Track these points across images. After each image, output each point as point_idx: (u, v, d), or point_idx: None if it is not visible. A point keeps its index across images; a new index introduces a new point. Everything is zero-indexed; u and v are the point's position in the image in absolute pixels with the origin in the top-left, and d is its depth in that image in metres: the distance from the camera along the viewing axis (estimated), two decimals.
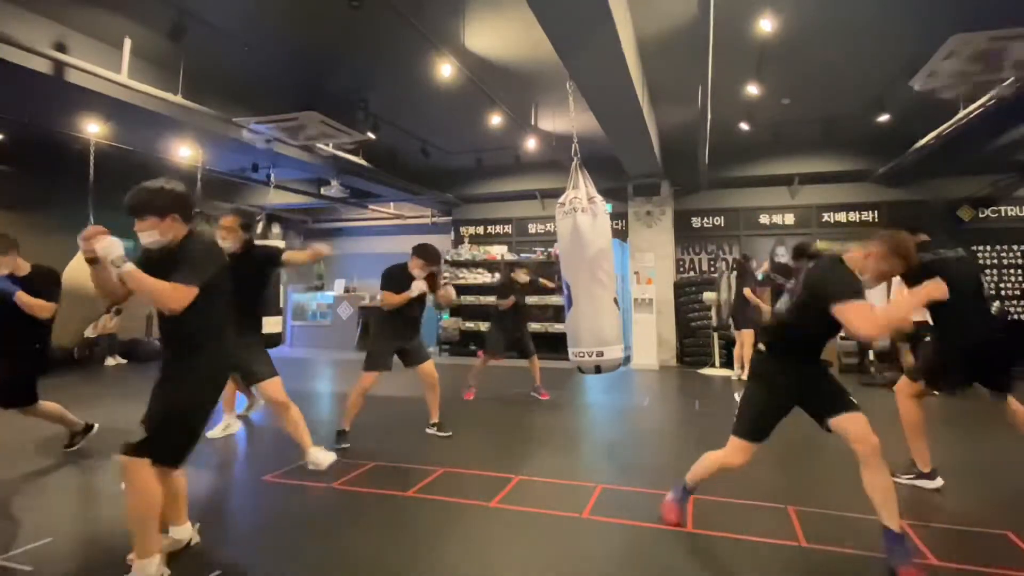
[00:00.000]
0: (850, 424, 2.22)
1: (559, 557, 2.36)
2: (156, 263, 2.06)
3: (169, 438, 2.05)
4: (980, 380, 3.11)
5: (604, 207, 3.39)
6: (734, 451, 2.42)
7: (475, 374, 5.68)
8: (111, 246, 1.96)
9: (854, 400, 2.27)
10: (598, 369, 3.31)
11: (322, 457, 3.24)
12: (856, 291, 2.11)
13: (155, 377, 2.12)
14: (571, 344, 3.33)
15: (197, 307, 2.03)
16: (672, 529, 2.57)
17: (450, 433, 4.12)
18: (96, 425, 3.86)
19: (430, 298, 4.12)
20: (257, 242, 3.40)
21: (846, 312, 2.07)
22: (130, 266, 1.96)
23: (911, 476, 3.17)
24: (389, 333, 4.00)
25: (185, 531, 2.33)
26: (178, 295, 1.99)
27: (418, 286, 3.88)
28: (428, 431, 4.16)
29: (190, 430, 2.11)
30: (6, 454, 3.70)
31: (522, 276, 5.81)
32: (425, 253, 3.98)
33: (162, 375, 2.13)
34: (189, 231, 2.18)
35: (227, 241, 3.11)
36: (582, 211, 3.27)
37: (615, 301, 3.34)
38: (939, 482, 3.07)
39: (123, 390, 6.26)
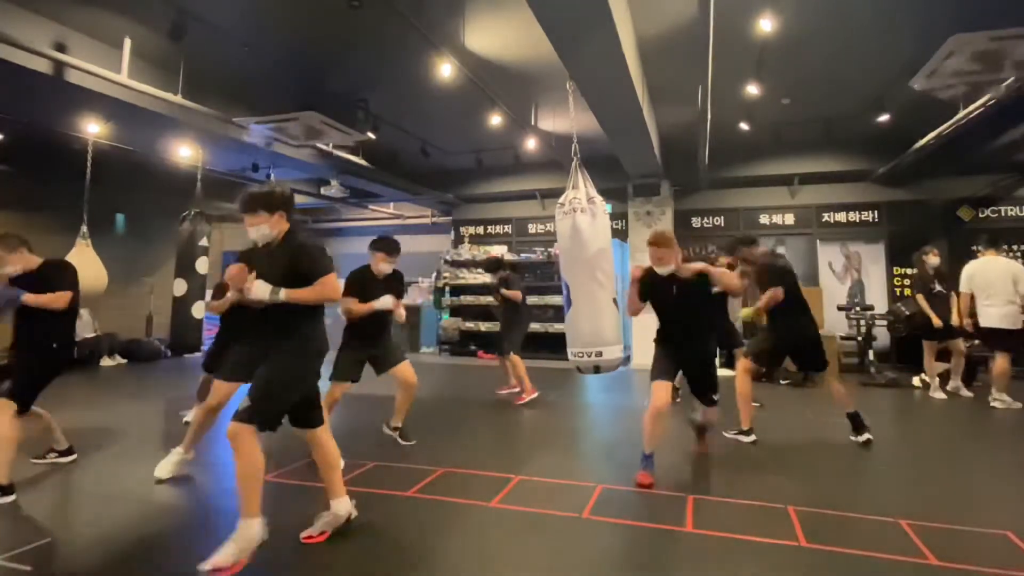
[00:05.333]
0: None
1: (559, 557, 2.35)
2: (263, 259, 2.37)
3: None
4: (796, 363, 4.58)
5: (604, 207, 3.36)
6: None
7: (518, 376, 5.35)
8: (261, 290, 2.24)
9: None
10: (597, 369, 3.29)
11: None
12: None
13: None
14: (570, 344, 3.31)
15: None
16: (672, 529, 2.57)
17: (414, 442, 3.87)
18: (75, 456, 3.54)
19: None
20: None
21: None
22: (284, 293, 2.27)
23: (734, 432, 3.99)
24: (355, 343, 3.62)
25: None
26: (336, 285, 2.38)
27: (385, 302, 3.56)
28: (386, 431, 3.92)
29: None
30: None
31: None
32: (386, 245, 3.66)
33: None
34: (291, 229, 2.44)
35: None
36: (581, 211, 3.24)
37: (614, 301, 3.32)
38: (752, 437, 3.93)
39: (124, 390, 6.26)
